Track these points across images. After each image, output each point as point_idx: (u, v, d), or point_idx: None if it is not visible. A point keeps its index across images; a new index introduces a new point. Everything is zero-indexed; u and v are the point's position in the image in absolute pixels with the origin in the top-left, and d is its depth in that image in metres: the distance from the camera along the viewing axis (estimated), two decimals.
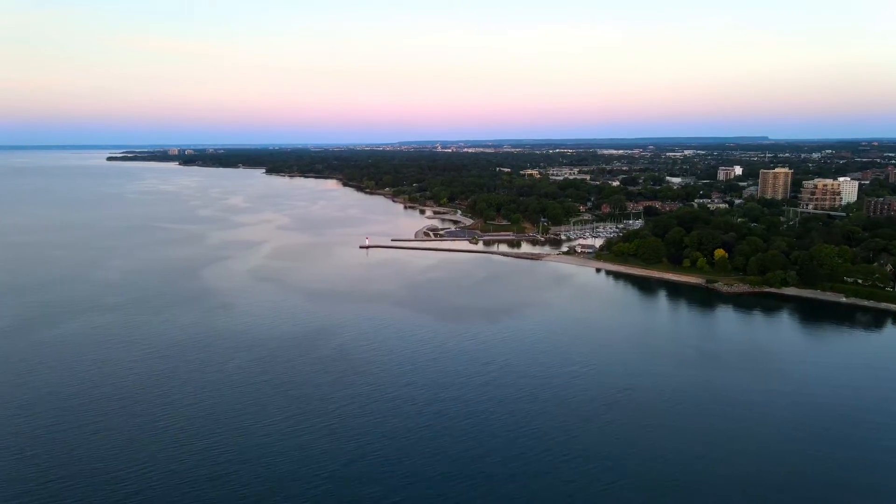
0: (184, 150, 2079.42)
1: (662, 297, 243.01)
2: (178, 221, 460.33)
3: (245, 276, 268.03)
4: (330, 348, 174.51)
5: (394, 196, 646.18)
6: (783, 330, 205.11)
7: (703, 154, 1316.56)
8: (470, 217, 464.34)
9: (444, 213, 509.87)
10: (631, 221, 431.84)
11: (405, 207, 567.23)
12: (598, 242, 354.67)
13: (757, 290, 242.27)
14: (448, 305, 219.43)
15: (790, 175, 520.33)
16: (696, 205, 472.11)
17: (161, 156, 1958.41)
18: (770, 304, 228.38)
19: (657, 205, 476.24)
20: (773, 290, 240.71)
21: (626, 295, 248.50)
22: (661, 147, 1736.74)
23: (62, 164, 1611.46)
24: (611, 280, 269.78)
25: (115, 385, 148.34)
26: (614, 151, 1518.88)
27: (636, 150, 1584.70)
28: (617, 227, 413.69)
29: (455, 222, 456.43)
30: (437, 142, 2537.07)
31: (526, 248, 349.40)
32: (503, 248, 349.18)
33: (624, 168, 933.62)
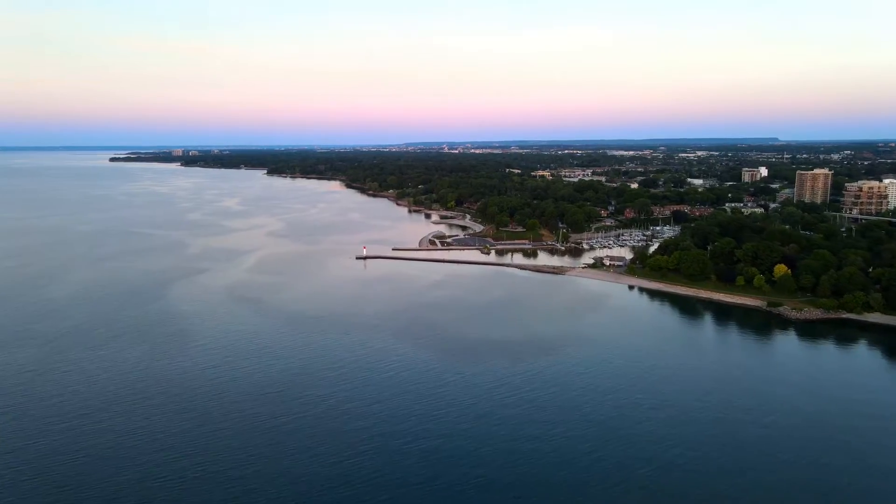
0: (188, 152, 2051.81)
1: (719, 326, 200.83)
2: (161, 226, 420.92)
3: (219, 295, 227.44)
4: (307, 403, 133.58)
5: (398, 198, 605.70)
6: (888, 375, 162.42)
7: (717, 155, 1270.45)
8: (480, 222, 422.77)
9: (451, 217, 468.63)
10: (659, 227, 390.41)
11: (409, 211, 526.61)
12: (624, 252, 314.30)
13: (833, 315, 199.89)
14: (459, 338, 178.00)
15: (830, 176, 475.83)
16: (728, 209, 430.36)
17: (165, 157, 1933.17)
18: (851, 334, 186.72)
19: (685, 208, 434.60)
20: (852, 315, 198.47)
21: (675, 322, 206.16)
22: (672, 148, 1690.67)
23: (63, 164, 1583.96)
24: (650, 301, 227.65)
25: None
26: (625, 152, 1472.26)
27: (647, 151, 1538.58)
28: (644, 235, 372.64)
29: (463, 228, 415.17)
30: (443, 143, 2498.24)
31: (544, 258, 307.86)
32: (519, 258, 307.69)
33: (639, 169, 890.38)
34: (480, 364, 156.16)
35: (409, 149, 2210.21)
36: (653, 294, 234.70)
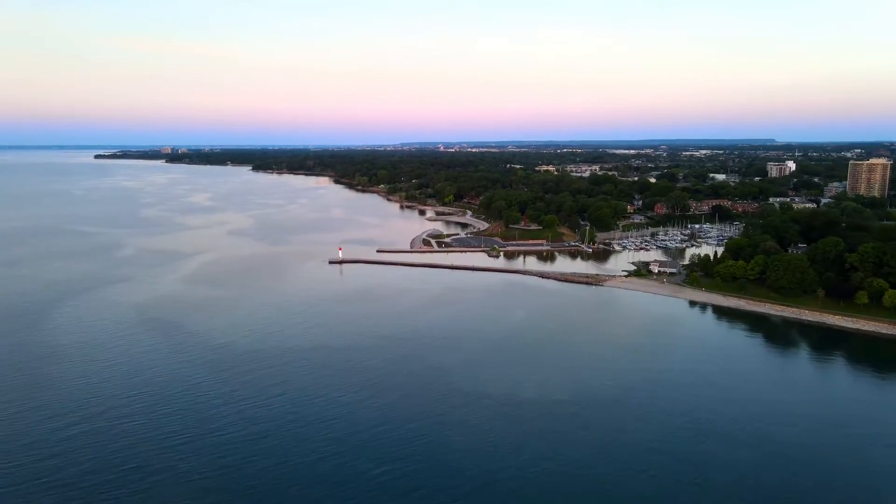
0: (176, 149, 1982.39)
1: (848, 367, 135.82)
2: (105, 224, 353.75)
3: (124, 317, 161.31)
4: None
5: (388, 193, 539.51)
6: None
7: (723, 153, 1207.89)
8: (484, 219, 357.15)
9: (449, 213, 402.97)
10: (699, 225, 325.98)
11: (402, 207, 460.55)
12: (659, 255, 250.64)
13: None
14: (472, 395, 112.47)
15: (888, 167, 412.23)
16: (777, 204, 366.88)
17: (152, 154, 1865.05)
18: None
19: (727, 203, 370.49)
20: None
21: (783, 363, 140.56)
22: (673, 147, 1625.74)
23: (46, 161, 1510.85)
24: (729, 326, 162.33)
25: None
26: (626, 151, 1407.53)
27: (649, 150, 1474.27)
28: (682, 234, 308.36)
29: (464, 226, 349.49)
30: (439, 143, 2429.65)
31: (566, 263, 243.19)
32: (535, 263, 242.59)
33: (649, 165, 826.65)
34: (509, 442, 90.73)
35: (405, 148, 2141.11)
36: (728, 314, 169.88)
